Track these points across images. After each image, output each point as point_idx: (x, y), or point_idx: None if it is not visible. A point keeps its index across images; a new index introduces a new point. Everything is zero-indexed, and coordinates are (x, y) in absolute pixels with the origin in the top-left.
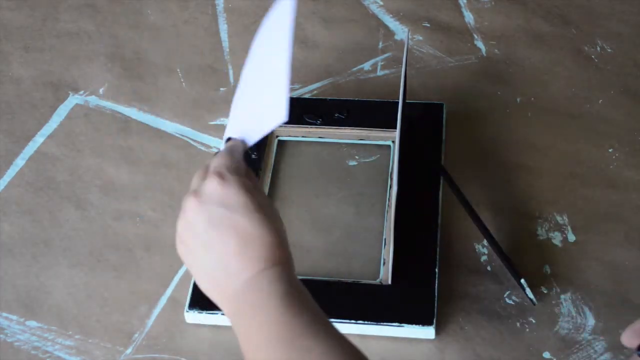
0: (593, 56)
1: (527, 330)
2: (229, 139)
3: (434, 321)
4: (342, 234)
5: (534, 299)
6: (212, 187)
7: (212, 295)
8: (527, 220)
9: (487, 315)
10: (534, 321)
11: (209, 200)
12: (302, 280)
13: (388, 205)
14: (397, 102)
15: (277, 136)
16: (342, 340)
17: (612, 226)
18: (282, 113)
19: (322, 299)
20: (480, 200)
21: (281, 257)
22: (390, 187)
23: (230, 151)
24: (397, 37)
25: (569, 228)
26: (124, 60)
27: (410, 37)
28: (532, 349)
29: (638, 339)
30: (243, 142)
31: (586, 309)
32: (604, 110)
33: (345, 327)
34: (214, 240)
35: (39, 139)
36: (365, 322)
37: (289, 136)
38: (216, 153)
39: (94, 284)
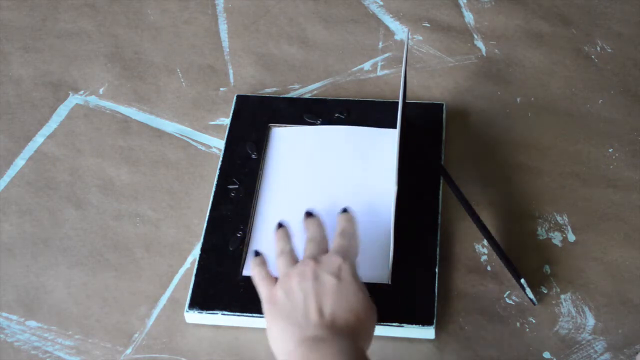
0: (593, 56)
1: (527, 330)
2: (344, 210)
3: (434, 321)
4: None
5: (534, 299)
6: (332, 259)
7: (284, 340)
8: (527, 220)
9: (487, 315)
10: (534, 321)
11: (324, 268)
12: None
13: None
14: (397, 102)
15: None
16: None
17: (612, 226)
18: (384, 277)
19: None
20: (480, 200)
21: (362, 330)
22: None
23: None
24: (397, 37)
25: (569, 228)
26: (124, 60)
27: (410, 37)
28: (532, 349)
29: None
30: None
31: (586, 309)
32: (604, 110)
33: None
34: (310, 295)
35: (39, 139)
36: None
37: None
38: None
39: (94, 284)
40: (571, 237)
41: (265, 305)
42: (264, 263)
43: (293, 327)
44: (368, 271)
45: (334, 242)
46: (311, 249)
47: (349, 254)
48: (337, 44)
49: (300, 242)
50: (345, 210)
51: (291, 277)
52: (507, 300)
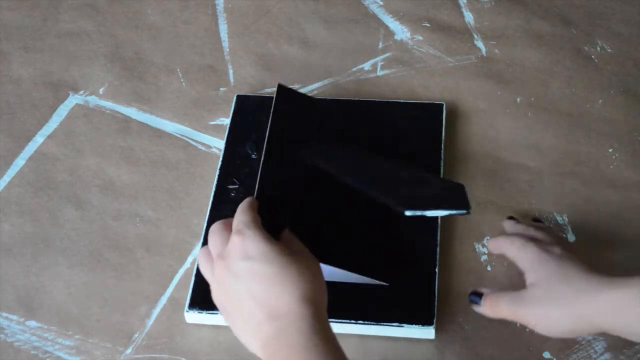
0: (593, 56)
1: (527, 330)
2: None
3: (434, 321)
4: None
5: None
6: (233, 244)
7: (252, 346)
8: (527, 220)
9: None
10: None
11: (232, 257)
12: None
13: None
14: (397, 102)
15: None
16: None
17: (612, 226)
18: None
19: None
20: (481, 200)
21: (308, 296)
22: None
23: (244, 208)
24: (397, 37)
25: (569, 228)
26: (124, 60)
27: (410, 37)
28: (532, 349)
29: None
30: (255, 198)
31: None
32: (604, 110)
33: (346, 327)
34: (243, 293)
35: (39, 139)
36: (365, 322)
37: None
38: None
39: (94, 284)
40: (571, 237)
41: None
42: (244, 212)
43: (247, 332)
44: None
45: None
46: (214, 245)
47: (245, 224)
48: (337, 44)
49: None
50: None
51: (215, 286)
52: None
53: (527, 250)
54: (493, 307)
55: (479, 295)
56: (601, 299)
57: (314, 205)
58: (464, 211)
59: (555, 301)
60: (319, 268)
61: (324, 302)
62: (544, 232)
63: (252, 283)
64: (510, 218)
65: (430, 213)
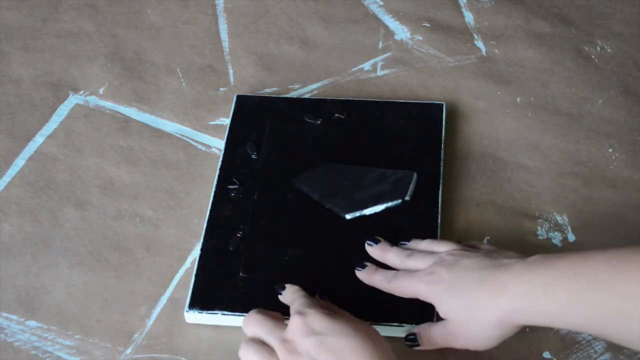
0: (593, 56)
1: (527, 330)
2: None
3: (434, 321)
4: None
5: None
6: (295, 323)
7: None
8: (527, 220)
9: None
10: None
11: (299, 336)
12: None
13: None
14: (397, 102)
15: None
16: None
17: (612, 226)
18: None
19: (323, 299)
20: (481, 200)
21: (378, 349)
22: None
23: (295, 290)
24: (397, 37)
25: (569, 228)
26: (124, 60)
27: (410, 37)
28: (532, 349)
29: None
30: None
31: None
32: (604, 110)
33: None
34: None
35: (39, 139)
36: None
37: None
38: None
39: (94, 284)
40: (571, 237)
41: None
42: (296, 294)
43: None
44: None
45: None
46: (271, 337)
47: (306, 305)
48: (337, 44)
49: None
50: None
51: None
52: None
53: (409, 288)
54: (431, 342)
55: (413, 335)
56: (503, 297)
57: (309, 233)
58: (399, 200)
59: (466, 319)
60: (373, 328)
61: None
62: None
63: (325, 357)
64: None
65: (368, 211)
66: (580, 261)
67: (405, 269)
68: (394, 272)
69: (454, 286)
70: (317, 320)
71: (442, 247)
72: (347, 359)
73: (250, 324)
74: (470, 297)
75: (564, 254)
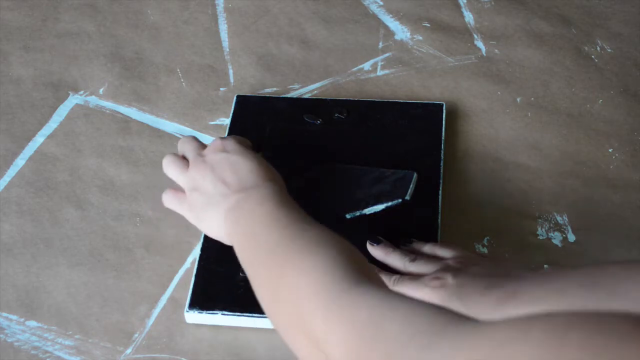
0: (593, 56)
1: None
2: None
3: None
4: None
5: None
6: (213, 144)
7: (214, 224)
8: (527, 220)
9: None
10: None
11: (211, 152)
12: None
13: None
14: (397, 102)
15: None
16: (329, 230)
17: (612, 226)
18: None
19: None
20: (481, 200)
21: (273, 178)
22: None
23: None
24: (397, 37)
25: (569, 228)
26: (124, 60)
27: (410, 37)
28: None
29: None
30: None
31: None
32: (604, 110)
33: None
34: (215, 179)
35: (39, 139)
36: None
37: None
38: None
39: (94, 284)
40: (571, 237)
41: (185, 207)
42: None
43: (215, 208)
44: None
45: None
46: (192, 151)
47: (227, 140)
48: (337, 44)
49: None
50: None
51: (192, 175)
52: None
53: (413, 292)
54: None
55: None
56: (512, 303)
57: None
58: (399, 200)
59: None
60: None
61: (283, 184)
62: (429, 260)
63: (225, 169)
64: (375, 240)
65: (368, 210)
66: (597, 272)
67: (408, 273)
68: (397, 276)
69: (460, 291)
70: (232, 143)
71: (445, 252)
72: (243, 174)
73: (183, 141)
74: (477, 301)
75: (574, 266)
